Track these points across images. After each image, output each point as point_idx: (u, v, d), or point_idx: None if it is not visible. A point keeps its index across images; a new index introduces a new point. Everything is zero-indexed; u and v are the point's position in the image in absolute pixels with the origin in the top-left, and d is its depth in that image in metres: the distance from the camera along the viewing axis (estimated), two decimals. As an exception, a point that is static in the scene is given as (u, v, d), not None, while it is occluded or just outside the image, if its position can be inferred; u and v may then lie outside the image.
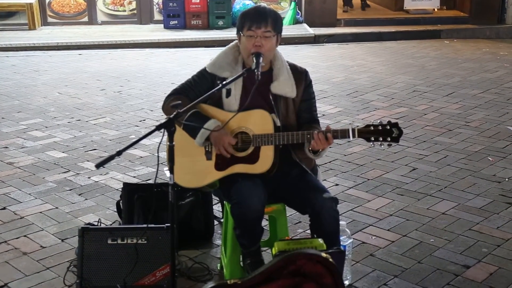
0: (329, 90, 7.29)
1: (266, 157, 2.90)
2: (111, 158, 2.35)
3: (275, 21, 2.94)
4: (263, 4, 10.29)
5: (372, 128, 2.86)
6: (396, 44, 10.43)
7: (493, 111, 6.38)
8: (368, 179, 4.60)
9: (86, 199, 4.24)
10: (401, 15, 11.78)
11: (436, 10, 11.96)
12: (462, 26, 11.30)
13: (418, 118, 6.18)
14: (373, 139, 2.85)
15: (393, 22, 11.45)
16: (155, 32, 11.08)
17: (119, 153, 2.36)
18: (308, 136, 2.85)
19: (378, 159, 5.01)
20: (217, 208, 3.89)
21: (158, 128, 2.45)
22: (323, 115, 6.20)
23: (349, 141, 5.30)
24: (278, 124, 2.94)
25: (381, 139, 2.85)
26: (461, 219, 3.94)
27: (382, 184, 4.52)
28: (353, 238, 3.58)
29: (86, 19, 11.94)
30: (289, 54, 8.95)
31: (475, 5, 11.50)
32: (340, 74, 8.21)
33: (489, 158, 5.02)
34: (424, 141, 5.46)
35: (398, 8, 12.05)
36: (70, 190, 4.40)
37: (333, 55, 9.54)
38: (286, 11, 11.67)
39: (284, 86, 2.97)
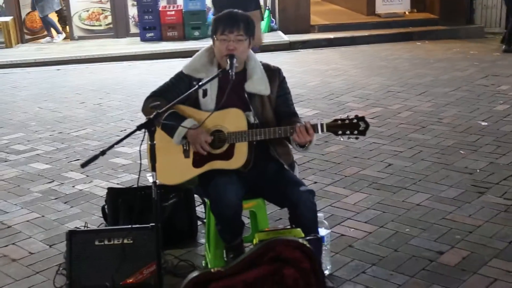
0: (305, 94, 7.45)
1: (241, 153, 3.04)
2: (95, 157, 2.46)
3: (247, 25, 3.09)
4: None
5: (339, 122, 3.00)
6: (370, 48, 10.64)
7: (464, 108, 6.57)
8: (345, 176, 4.75)
9: (71, 207, 4.34)
10: (373, 19, 12.01)
11: (407, 13, 12.21)
12: (432, 27, 11.56)
13: (392, 117, 6.35)
14: (340, 132, 2.99)
15: (366, 26, 11.66)
16: (132, 45, 11.19)
17: (103, 152, 2.47)
18: (280, 131, 3.00)
19: (355, 157, 5.16)
20: (200, 209, 4.01)
21: (139, 128, 2.57)
22: (301, 117, 6.33)
23: (319, 137, 5.46)
24: (252, 121, 3.08)
25: (348, 133, 2.98)
26: (435, 209, 4.09)
27: (359, 180, 4.67)
28: (332, 231, 3.72)
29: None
30: (265, 61, 9.07)
31: (444, 7, 11.76)
32: (315, 78, 8.38)
33: (461, 152, 5.20)
34: (399, 138, 5.63)
35: (370, 12, 12.27)
36: (55, 199, 4.50)
37: (308, 61, 9.72)
38: (261, 19, 11.84)
39: (258, 85, 3.12)
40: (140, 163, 2.70)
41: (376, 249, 3.59)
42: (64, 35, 11.80)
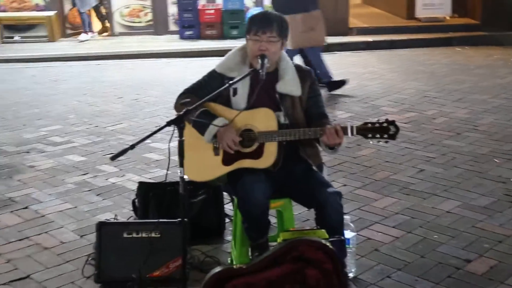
0: (341, 97, 7.43)
1: (270, 153, 3.07)
2: (124, 151, 2.52)
3: (280, 26, 3.11)
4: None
5: (369, 125, 3.01)
6: (408, 52, 10.54)
7: (502, 115, 6.46)
8: (376, 180, 4.74)
9: (103, 199, 4.44)
10: (413, 23, 11.89)
11: (447, 18, 12.05)
12: (473, 33, 11.37)
13: (427, 122, 6.29)
14: (370, 136, 3.00)
15: (405, 30, 11.54)
16: (171, 42, 11.33)
17: (132, 146, 2.52)
18: (309, 132, 3.02)
19: (386, 161, 5.14)
20: (228, 207, 4.05)
21: (168, 124, 2.62)
22: (334, 120, 6.33)
23: (351, 140, 5.44)
24: (282, 121, 3.10)
25: (378, 136, 3.00)
26: (465, 217, 4.05)
27: (389, 184, 4.64)
28: (359, 235, 3.72)
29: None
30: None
31: (486, 12, 11.57)
32: (352, 81, 8.30)
33: (496, 160, 5.12)
34: (432, 144, 5.57)
35: (410, 16, 12.15)
36: (88, 191, 4.61)
37: (345, 63, 9.68)
38: (299, 20, 11.83)
39: (289, 85, 3.14)
40: (169, 159, 2.75)
41: (402, 254, 3.58)
42: (89, 36, 11.78)
